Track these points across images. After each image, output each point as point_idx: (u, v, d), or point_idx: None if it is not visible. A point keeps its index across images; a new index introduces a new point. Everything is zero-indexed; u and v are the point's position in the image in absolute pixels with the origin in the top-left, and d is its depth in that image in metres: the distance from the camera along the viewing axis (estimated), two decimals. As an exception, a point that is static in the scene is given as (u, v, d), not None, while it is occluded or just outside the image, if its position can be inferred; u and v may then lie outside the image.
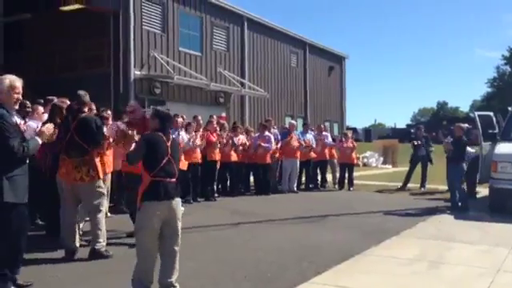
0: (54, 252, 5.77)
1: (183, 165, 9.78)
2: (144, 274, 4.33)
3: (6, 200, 4.14)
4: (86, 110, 5.91)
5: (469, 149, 11.11)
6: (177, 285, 4.38)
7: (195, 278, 5.01)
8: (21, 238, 4.36)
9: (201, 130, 10.96)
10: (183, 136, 10.12)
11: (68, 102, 6.34)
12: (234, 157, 11.66)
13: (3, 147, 4.13)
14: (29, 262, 5.05)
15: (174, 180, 4.38)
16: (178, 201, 4.41)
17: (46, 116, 7.40)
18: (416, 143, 13.78)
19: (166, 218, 4.30)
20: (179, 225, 4.42)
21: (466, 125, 11.38)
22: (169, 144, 4.44)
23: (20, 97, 4.42)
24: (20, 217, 4.30)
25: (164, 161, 4.34)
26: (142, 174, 4.37)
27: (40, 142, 4.47)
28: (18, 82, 4.37)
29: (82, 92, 5.94)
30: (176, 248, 4.39)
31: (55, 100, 6.98)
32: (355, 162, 14.16)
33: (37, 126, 6.40)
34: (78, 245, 5.77)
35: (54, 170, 6.04)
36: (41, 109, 7.72)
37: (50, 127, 4.68)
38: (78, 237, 5.84)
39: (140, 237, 4.33)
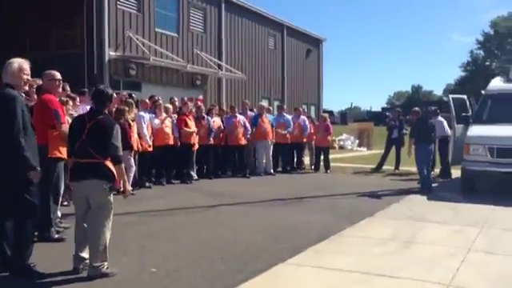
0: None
1: (148, 146, 9.76)
2: (76, 246, 4.48)
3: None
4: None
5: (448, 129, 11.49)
6: (87, 260, 4.41)
7: (172, 259, 5.03)
8: None
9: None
10: (147, 117, 10.06)
11: (39, 82, 6.19)
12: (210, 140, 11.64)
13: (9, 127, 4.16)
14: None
15: (88, 161, 4.36)
16: (92, 181, 4.36)
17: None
18: (391, 124, 14.10)
19: (86, 197, 4.42)
20: (97, 205, 4.40)
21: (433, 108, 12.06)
22: (88, 126, 4.40)
23: (29, 78, 4.56)
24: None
25: (78, 143, 4.41)
26: None
27: None
28: (26, 64, 4.48)
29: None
30: (90, 226, 4.41)
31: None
32: (330, 145, 14.25)
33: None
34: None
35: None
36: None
37: None
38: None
39: None
